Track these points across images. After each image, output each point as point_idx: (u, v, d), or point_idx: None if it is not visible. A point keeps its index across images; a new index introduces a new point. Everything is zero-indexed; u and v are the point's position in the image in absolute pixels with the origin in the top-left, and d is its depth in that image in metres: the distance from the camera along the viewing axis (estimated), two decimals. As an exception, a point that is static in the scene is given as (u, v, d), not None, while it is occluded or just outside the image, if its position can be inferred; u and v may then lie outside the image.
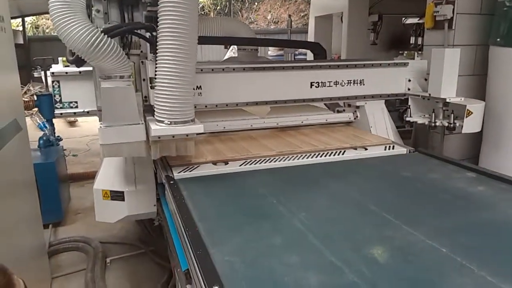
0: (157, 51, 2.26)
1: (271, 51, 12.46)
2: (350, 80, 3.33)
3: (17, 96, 2.92)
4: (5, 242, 2.22)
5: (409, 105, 3.48)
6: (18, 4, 9.91)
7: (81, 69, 3.12)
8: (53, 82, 3.33)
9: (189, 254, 1.64)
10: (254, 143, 3.05)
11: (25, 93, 10.54)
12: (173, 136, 2.33)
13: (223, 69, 3.01)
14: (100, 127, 2.27)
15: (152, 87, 2.60)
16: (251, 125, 3.33)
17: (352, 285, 1.39)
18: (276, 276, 1.44)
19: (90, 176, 5.26)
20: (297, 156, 2.78)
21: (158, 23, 2.22)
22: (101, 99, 2.35)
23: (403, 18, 7.73)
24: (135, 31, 2.65)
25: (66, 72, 3.31)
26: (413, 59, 3.63)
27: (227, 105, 3.07)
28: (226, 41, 4.22)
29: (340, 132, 3.38)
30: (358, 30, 7.36)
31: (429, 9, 4.09)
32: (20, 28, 14.31)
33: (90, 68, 3.07)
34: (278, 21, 20.01)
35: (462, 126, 3.09)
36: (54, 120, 4.80)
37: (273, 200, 2.09)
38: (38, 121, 4.86)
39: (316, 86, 3.24)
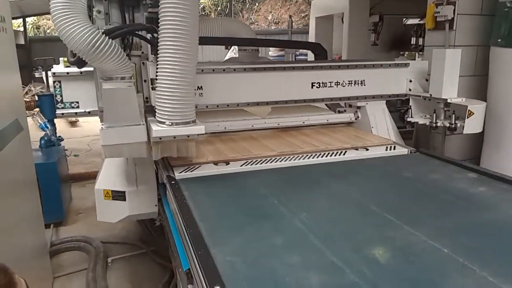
0: (158, 52, 2.27)
1: (272, 52, 12.45)
2: (351, 81, 3.33)
3: (18, 96, 2.93)
4: (6, 242, 2.23)
5: (410, 106, 3.48)
6: (19, 5, 9.93)
7: (82, 69, 3.13)
8: (54, 82, 3.33)
9: (190, 254, 1.64)
10: (255, 143, 3.05)
11: (26, 93, 10.54)
12: (174, 137, 2.33)
13: (224, 70, 3.01)
14: (102, 128, 2.28)
15: (153, 88, 2.60)
16: (252, 126, 3.33)
17: (353, 285, 1.39)
18: (277, 276, 1.44)
19: (91, 176, 5.26)
20: (298, 156, 2.78)
21: (159, 24, 2.22)
22: (102, 100, 2.35)
23: (404, 19, 7.71)
24: (136, 32, 2.65)
25: (68, 72, 3.32)
26: (414, 59, 3.62)
27: (228, 105, 3.08)
28: (227, 42, 4.22)
29: (341, 132, 3.38)
30: (359, 30, 7.34)
31: (430, 10, 4.09)
32: (21, 29, 14.33)
33: (91, 68, 3.07)
34: (278, 21, 20.01)
35: (463, 127, 3.09)
36: (55, 120, 4.79)
37: (274, 200, 2.10)
38: (40, 121, 4.87)
39: (317, 87, 3.24)
